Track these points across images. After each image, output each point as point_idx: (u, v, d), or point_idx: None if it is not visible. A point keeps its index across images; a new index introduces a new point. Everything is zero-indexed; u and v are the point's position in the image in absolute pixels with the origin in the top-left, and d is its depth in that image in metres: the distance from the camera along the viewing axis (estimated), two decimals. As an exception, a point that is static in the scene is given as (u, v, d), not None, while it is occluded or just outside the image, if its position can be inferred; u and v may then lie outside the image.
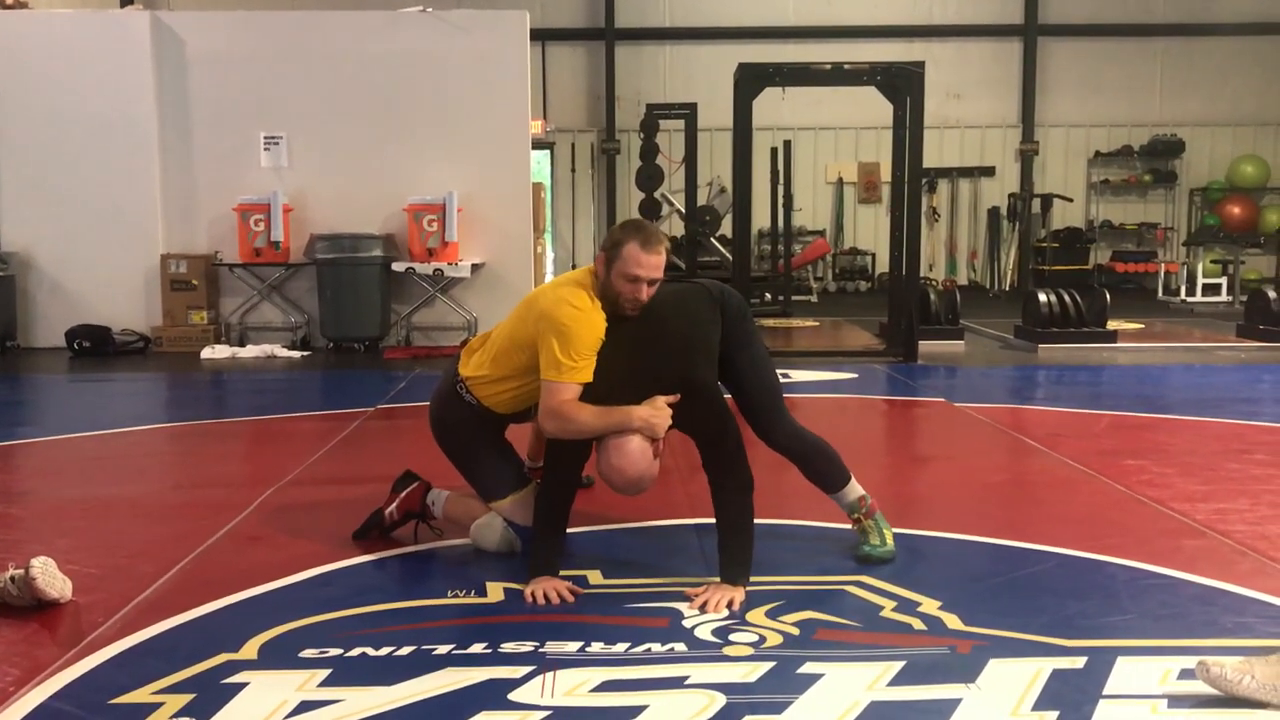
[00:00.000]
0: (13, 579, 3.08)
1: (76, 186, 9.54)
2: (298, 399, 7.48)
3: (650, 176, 13.06)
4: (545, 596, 3.18)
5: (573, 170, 17.09)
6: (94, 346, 9.33)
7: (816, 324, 11.96)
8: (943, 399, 6.93)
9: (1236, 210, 16.81)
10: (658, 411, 3.23)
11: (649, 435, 3.22)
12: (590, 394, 3.27)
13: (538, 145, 13.39)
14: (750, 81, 8.82)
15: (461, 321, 9.89)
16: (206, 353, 9.27)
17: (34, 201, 9.57)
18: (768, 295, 13.40)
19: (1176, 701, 2.51)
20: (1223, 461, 5.01)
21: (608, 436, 3.20)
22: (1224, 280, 14.51)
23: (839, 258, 17.49)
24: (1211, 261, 15.10)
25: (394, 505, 3.77)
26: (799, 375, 7.90)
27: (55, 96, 9.53)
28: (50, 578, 3.08)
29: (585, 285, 3.37)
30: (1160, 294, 15.23)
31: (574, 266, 16.19)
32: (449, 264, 9.59)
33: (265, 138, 9.77)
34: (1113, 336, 9.74)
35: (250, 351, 9.35)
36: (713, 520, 3.30)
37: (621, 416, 3.21)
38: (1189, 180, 17.46)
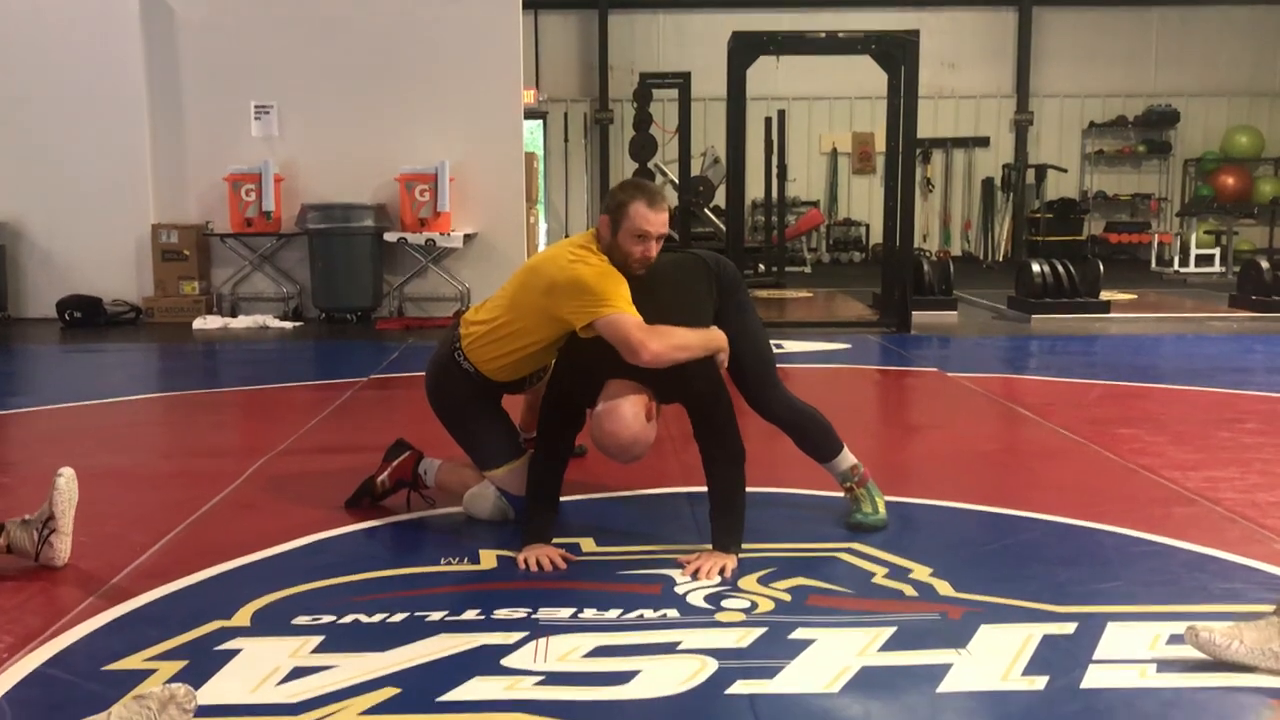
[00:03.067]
0: (25, 520, 3.10)
1: (66, 156, 9.48)
2: (290, 369, 7.47)
3: (643, 146, 12.99)
4: (538, 563, 3.19)
5: (565, 140, 17.02)
6: (85, 317, 9.30)
7: (810, 295, 11.95)
8: (936, 369, 6.94)
9: (1230, 181, 16.80)
10: (716, 335, 3.29)
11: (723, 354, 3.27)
12: (579, 359, 3.27)
13: (530, 115, 13.33)
14: (744, 50, 8.76)
15: (454, 292, 9.87)
16: (198, 323, 9.25)
17: (23, 171, 9.51)
18: (761, 266, 13.38)
19: (1165, 666, 2.52)
20: (1214, 430, 5.02)
21: (601, 402, 3.20)
22: (1217, 251, 14.51)
23: (833, 229, 17.48)
24: (1205, 232, 15.10)
25: (386, 473, 3.77)
26: (793, 346, 7.90)
27: (43, 65, 9.45)
28: (71, 494, 3.15)
29: (590, 247, 3.34)
30: (1153, 264, 15.23)
31: (567, 236, 16.15)
32: (441, 234, 9.56)
33: (256, 107, 9.71)
34: (1106, 307, 9.75)
35: (242, 322, 9.33)
36: (705, 488, 3.30)
37: (708, 335, 3.26)
38: (1183, 151, 17.44)
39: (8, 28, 9.47)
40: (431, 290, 9.98)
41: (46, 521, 3.13)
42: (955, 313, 9.91)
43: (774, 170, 13.42)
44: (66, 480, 3.16)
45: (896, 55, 8.80)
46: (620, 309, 3.15)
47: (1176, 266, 14.48)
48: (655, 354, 3.11)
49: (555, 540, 3.34)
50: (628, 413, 3.15)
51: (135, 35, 9.52)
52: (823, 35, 8.99)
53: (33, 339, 8.64)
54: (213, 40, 9.64)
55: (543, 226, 15.54)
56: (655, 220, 3.26)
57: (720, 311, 3.46)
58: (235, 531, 3.55)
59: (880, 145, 16.37)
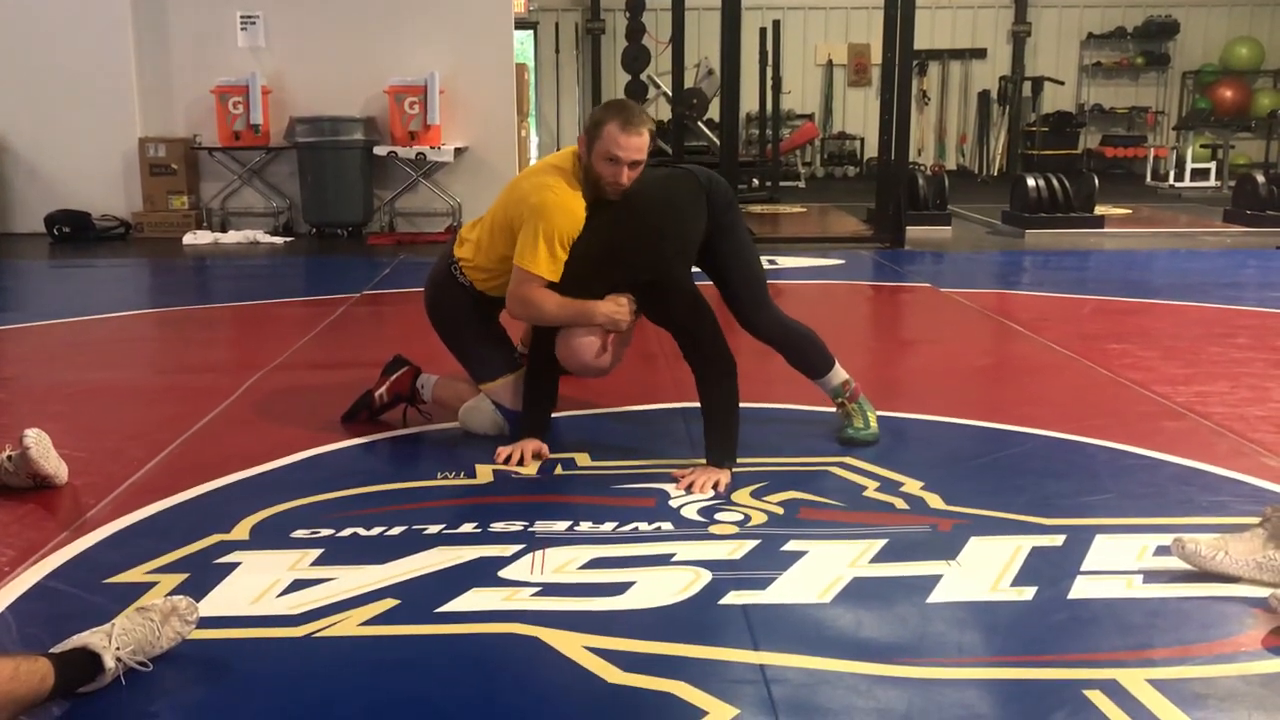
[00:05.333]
0: (9, 457, 3.09)
1: (50, 68, 9.30)
2: (282, 285, 7.44)
3: (636, 58, 12.81)
4: (520, 457, 3.32)
5: (556, 51, 16.73)
6: (74, 232, 9.22)
7: (804, 210, 11.89)
8: (929, 284, 6.93)
9: (1229, 94, 16.63)
10: (619, 309, 3.28)
11: (609, 330, 3.27)
12: (572, 271, 3.28)
13: (520, 25, 13.09)
14: (739, -41, 8.58)
15: (445, 207, 9.80)
16: (188, 239, 9.18)
17: (6, 84, 9.32)
18: (755, 181, 13.29)
19: (1152, 576, 2.57)
20: (1205, 345, 5.05)
21: (563, 328, 3.30)
22: (1213, 165, 14.43)
23: (827, 142, 17.31)
24: (1201, 146, 15.00)
25: (383, 388, 3.79)
26: (786, 262, 7.88)
27: (23, -27, 9.24)
28: (45, 450, 3.09)
29: (566, 170, 3.35)
30: (1149, 179, 15.15)
31: (558, 150, 15.98)
32: (431, 148, 9.46)
33: (242, 16, 9.52)
34: (1100, 222, 9.72)
35: (232, 237, 9.27)
36: (699, 404, 3.32)
37: (583, 310, 3.27)
38: (1182, 63, 17.22)
39: (-15, -65, 9.24)
40: (423, 205, 9.90)
41: (35, 479, 3.10)
42: (949, 228, 9.88)
43: (769, 83, 13.25)
44: (35, 440, 3.08)
45: (894, -36, 8.63)
46: (534, 270, 3.26)
47: (1172, 181, 14.40)
48: (514, 315, 3.42)
49: (551, 455, 3.39)
50: (583, 342, 3.30)
51: (116, -58, 9.29)
52: (819, -57, 8.79)
53: (21, 254, 8.57)
54: (196, -53, 9.43)
55: (534, 140, 15.38)
56: (627, 145, 3.23)
57: (710, 230, 3.43)
58: (232, 446, 3.57)
59: (876, 57, 16.13)
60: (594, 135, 3.26)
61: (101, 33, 9.33)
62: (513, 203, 3.39)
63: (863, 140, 17.09)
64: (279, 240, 9.28)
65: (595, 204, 3.32)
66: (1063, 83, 16.74)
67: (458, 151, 9.61)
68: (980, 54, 17.16)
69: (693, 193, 3.42)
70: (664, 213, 3.37)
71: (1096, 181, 10.13)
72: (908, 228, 8.84)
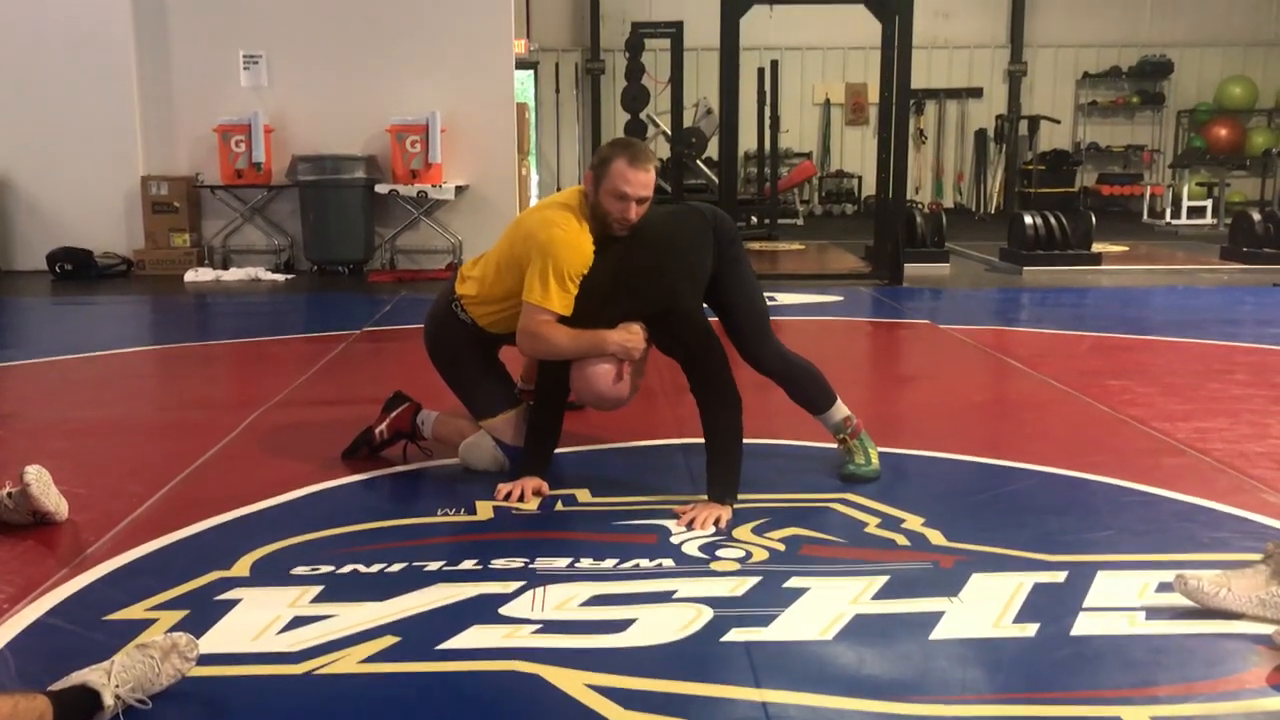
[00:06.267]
0: (9, 494, 3.09)
1: (54, 106, 9.37)
2: (283, 322, 7.45)
3: (635, 97, 12.89)
4: (521, 494, 3.33)
5: (557, 91, 16.87)
6: (76, 269, 9.25)
7: (802, 247, 11.94)
8: (928, 321, 6.95)
9: (1223, 132, 16.74)
10: (631, 336, 3.28)
11: (622, 359, 3.27)
12: (578, 309, 3.30)
13: (521, 65, 13.20)
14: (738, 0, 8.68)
15: (446, 244, 9.84)
16: (190, 276, 9.21)
17: (10, 122, 9.40)
18: (754, 218, 13.34)
19: (1154, 613, 2.56)
20: (1204, 381, 5.05)
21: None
22: (1209, 203, 14.51)
23: (825, 180, 17.41)
24: (1197, 184, 15.08)
25: (384, 425, 3.79)
26: (785, 298, 7.90)
27: (30, 14, 9.31)
28: (45, 487, 3.09)
29: (573, 207, 3.37)
30: (1145, 216, 15.23)
31: (559, 189, 16.06)
32: (433, 186, 9.51)
33: (245, 56, 9.60)
34: (1097, 259, 9.76)
35: (234, 274, 9.30)
36: (700, 439, 3.33)
37: (596, 340, 3.26)
38: (1177, 102, 17.36)
39: (-9, -24, 9.34)
40: (423, 242, 9.94)
41: (35, 515, 3.10)
42: (947, 265, 9.91)
43: (767, 121, 13.35)
44: (35, 477, 3.08)
45: (891, 5, 8.72)
46: (544, 305, 3.27)
47: (1168, 218, 14.47)
48: (525, 351, 3.42)
49: (552, 491, 3.39)
50: (600, 372, 3.29)
51: (121, -17, 9.39)
52: (816, -16, 8.89)
53: (23, 291, 8.60)
54: (200, -12, 9.52)
55: (534, 178, 15.46)
56: (635, 180, 3.26)
57: (715, 264, 3.47)
58: (232, 483, 3.57)
59: (873, 96, 16.27)
60: (601, 172, 3.29)
61: (105, 71, 9.41)
62: (519, 239, 3.40)
63: (860, 178, 17.20)
64: (280, 277, 9.31)
65: (603, 240, 3.35)
66: (1059, 121, 16.86)
67: (459, 189, 9.66)
68: (977, 93, 17.30)
69: (699, 227, 3.46)
70: (673, 246, 3.41)
71: (1094, 219, 10.17)
72: (906, 265, 8.88)
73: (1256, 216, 10.10)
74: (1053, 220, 9.80)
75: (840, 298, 8.04)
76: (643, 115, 13.12)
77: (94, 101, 9.41)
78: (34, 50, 9.34)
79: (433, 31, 9.58)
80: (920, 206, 14.27)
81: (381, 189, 9.56)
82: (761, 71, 13.35)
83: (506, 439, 3.57)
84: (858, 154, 17.32)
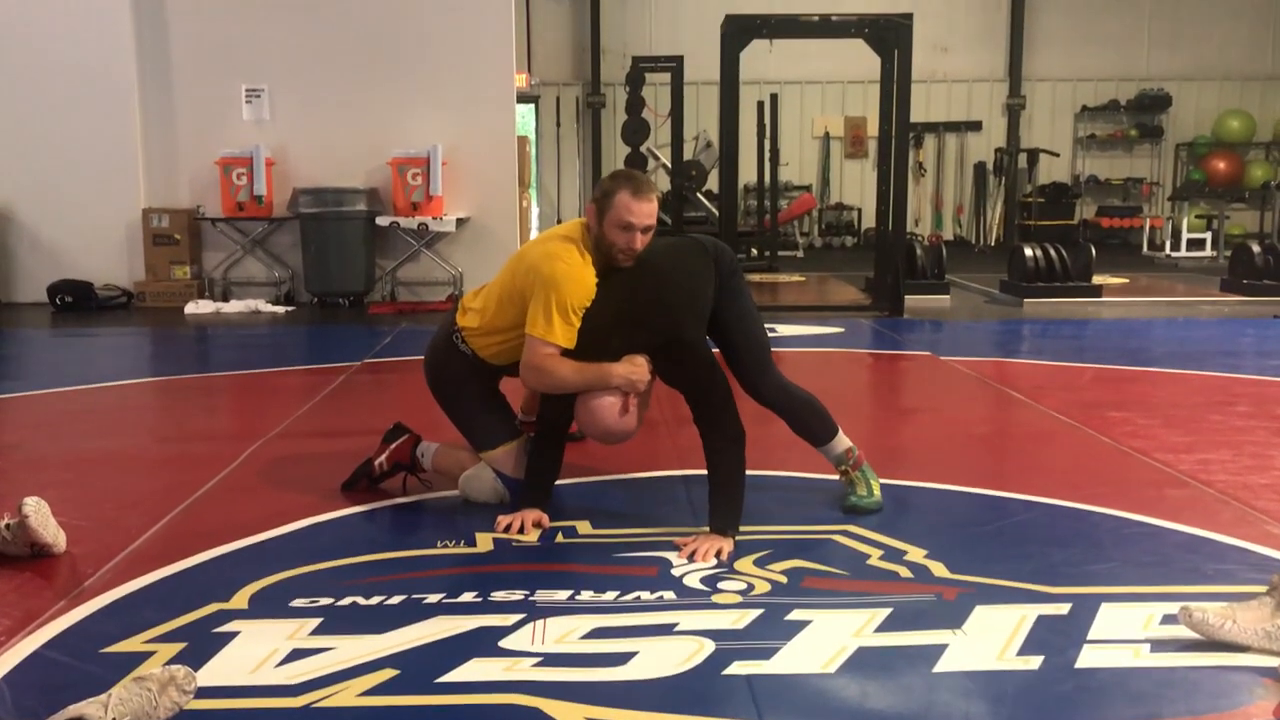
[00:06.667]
0: (7, 525, 3.08)
1: (56, 139, 9.42)
2: (283, 354, 7.46)
3: (636, 131, 12.95)
4: (521, 526, 3.31)
5: (557, 124, 16.96)
6: (76, 301, 9.27)
7: (803, 279, 11.96)
8: (929, 352, 6.95)
9: (1222, 165, 16.82)
10: (636, 369, 3.27)
11: (627, 391, 3.26)
12: (580, 341, 3.29)
13: (522, 99, 13.27)
14: (738, 33, 8.75)
15: (447, 276, 9.86)
16: (190, 308, 9.22)
17: (12, 154, 9.44)
18: (754, 250, 13.37)
19: (1159, 646, 2.54)
20: (1206, 413, 5.04)
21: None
22: (1209, 235, 14.55)
23: (824, 213, 17.47)
24: (1196, 216, 15.13)
25: (383, 456, 3.78)
26: (786, 330, 7.90)
27: (33, 46, 9.38)
28: (43, 519, 3.08)
29: (576, 240, 3.38)
30: (1145, 249, 15.27)
31: (558, 221, 16.11)
32: (434, 218, 9.54)
33: (247, 90, 9.66)
34: (1098, 291, 9.78)
35: (234, 307, 9.31)
36: (701, 471, 3.32)
37: (600, 373, 3.26)
38: (1175, 135, 17.45)
39: (-4, 10, 9.41)
40: (424, 274, 9.96)
41: (34, 547, 3.09)
42: (948, 297, 9.93)
43: (766, 154, 13.41)
44: (34, 509, 3.06)
45: (890, 39, 8.79)
46: (547, 338, 3.27)
47: (1168, 251, 14.51)
48: (529, 384, 3.43)
49: (552, 524, 3.38)
50: (606, 405, 3.28)
51: (126, 17, 9.45)
52: (816, 18, 8.97)
53: (24, 323, 8.61)
54: (203, 22, 9.58)
55: (534, 211, 15.51)
56: (639, 211, 3.28)
57: (716, 296, 3.48)
58: (231, 515, 3.55)
59: (872, 129, 16.36)
60: (605, 205, 3.30)
61: (107, 104, 9.47)
62: (522, 272, 3.40)
63: (860, 210, 17.26)
64: (280, 309, 9.32)
65: (605, 272, 3.36)
66: (1058, 154, 16.95)
67: (460, 222, 9.69)
68: (975, 126, 17.39)
69: (701, 258, 3.47)
70: (674, 278, 3.41)
71: (1094, 251, 10.20)
72: (906, 296, 8.89)
73: (1256, 249, 10.13)
74: (1053, 252, 9.83)
75: (841, 329, 8.04)
76: (643, 148, 13.18)
77: (96, 134, 9.46)
78: (37, 82, 9.40)
79: (434, 65, 9.64)
80: (920, 239, 14.32)
81: (382, 221, 9.59)
82: (761, 105, 13.42)
83: (507, 471, 3.56)
84: (857, 186, 17.39)
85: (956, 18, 16.95)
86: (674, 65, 12.87)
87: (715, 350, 3.49)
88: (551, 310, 3.27)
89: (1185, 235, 14.41)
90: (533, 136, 16.25)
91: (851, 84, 16.84)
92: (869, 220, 16.23)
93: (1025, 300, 9.49)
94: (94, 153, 9.47)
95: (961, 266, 12.18)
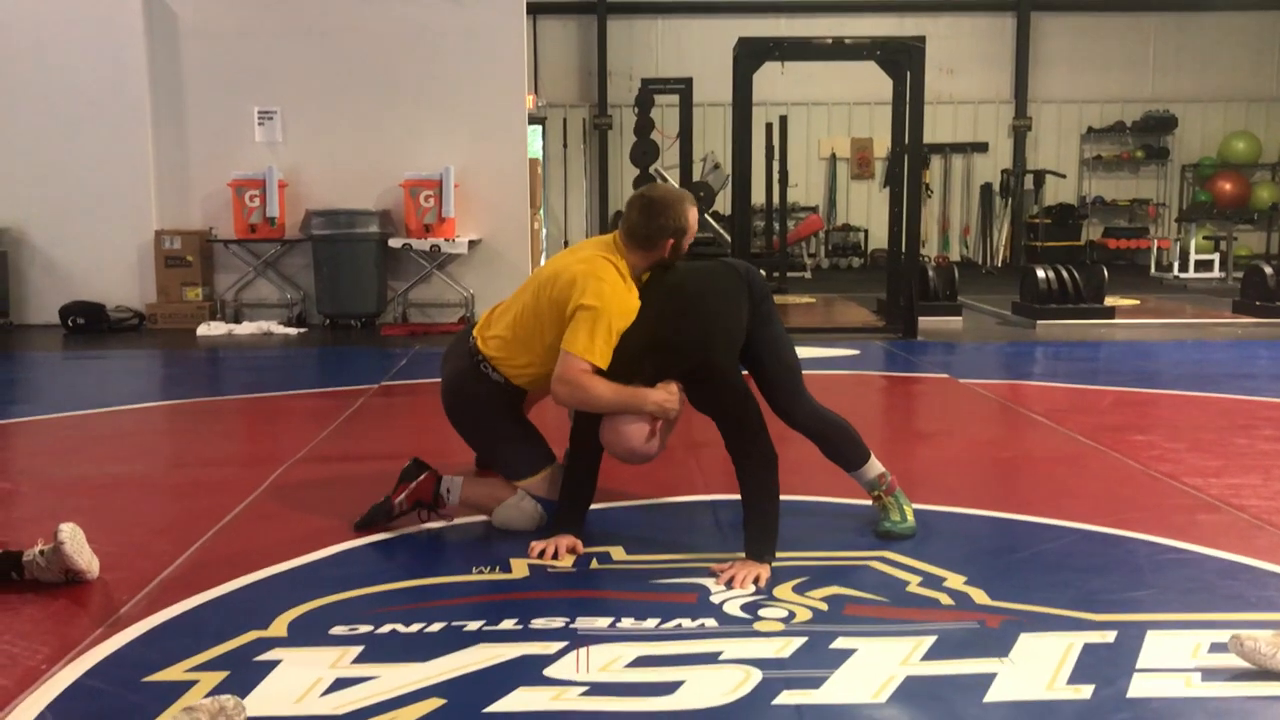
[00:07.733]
0: (41, 552, 3.06)
1: (69, 161, 9.45)
2: (297, 376, 7.43)
3: (644, 152, 12.97)
4: (555, 551, 3.30)
5: (564, 146, 17.01)
6: (88, 323, 9.27)
7: (812, 300, 11.95)
8: (945, 375, 6.94)
9: (1228, 186, 16.86)
10: (670, 397, 3.28)
11: (659, 417, 3.25)
12: (613, 363, 3.29)
13: (529, 121, 13.28)
14: (750, 56, 8.77)
15: (459, 298, 9.86)
16: (202, 330, 9.22)
17: (26, 177, 9.46)
18: (763, 271, 13.35)
19: (1210, 674, 2.52)
20: (1231, 437, 5.02)
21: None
22: (1216, 256, 14.56)
23: (831, 234, 17.49)
24: (1204, 238, 15.15)
25: (403, 495, 3.62)
26: (800, 352, 7.79)
27: (47, 70, 9.42)
28: (79, 545, 3.06)
29: (613, 259, 3.38)
30: (1153, 270, 15.27)
31: (566, 243, 16.13)
32: (446, 240, 9.54)
33: (259, 112, 9.68)
34: (1110, 313, 9.77)
35: (246, 328, 9.30)
36: (728, 495, 3.31)
37: (636, 397, 3.26)
38: (1181, 156, 17.50)
39: (11, 33, 9.44)
40: (436, 296, 9.96)
41: (68, 574, 3.07)
42: (960, 318, 9.92)
43: (775, 176, 13.43)
44: (70, 535, 3.04)
45: (902, 61, 8.82)
46: (585, 357, 3.27)
47: (1176, 272, 14.52)
48: (560, 397, 3.36)
49: (585, 549, 3.36)
50: (631, 428, 3.29)
51: (139, 40, 9.49)
52: (829, 41, 9.02)
53: (36, 345, 8.60)
54: (216, 45, 9.62)
55: (543, 233, 15.49)
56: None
57: (749, 321, 3.47)
58: (261, 541, 3.53)
59: (879, 150, 16.44)
60: (684, 229, 3.44)
61: (120, 126, 9.49)
62: (562, 286, 3.37)
63: (867, 231, 17.28)
64: (292, 331, 9.32)
65: (641, 291, 3.38)
66: (1064, 176, 16.99)
67: (472, 244, 9.70)
68: (982, 148, 17.44)
69: (734, 284, 3.47)
70: (710, 303, 3.41)
71: (1106, 272, 10.19)
72: (919, 318, 8.88)
73: (1268, 270, 10.12)
74: (1065, 274, 9.82)
75: (856, 351, 8.03)
76: (651, 170, 13.19)
77: (108, 156, 9.48)
78: (50, 105, 9.43)
79: (447, 87, 9.67)
80: (928, 260, 14.32)
81: (395, 243, 9.60)
82: (769, 126, 13.45)
83: (544, 494, 3.54)
84: (863, 208, 17.42)
85: (963, 40, 17.02)
86: (682, 87, 12.92)
87: (746, 374, 3.48)
88: (596, 329, 3.25)
89: (1193, 256, 14.43)
90: (540, 158, 16.27)
91: (858, 105, 16.89)
92: (875, 241, 16.30)
93: (1038, 322, 9.48)
94: (106, 174, 9.50)
95: (970, 288, 12.17)
